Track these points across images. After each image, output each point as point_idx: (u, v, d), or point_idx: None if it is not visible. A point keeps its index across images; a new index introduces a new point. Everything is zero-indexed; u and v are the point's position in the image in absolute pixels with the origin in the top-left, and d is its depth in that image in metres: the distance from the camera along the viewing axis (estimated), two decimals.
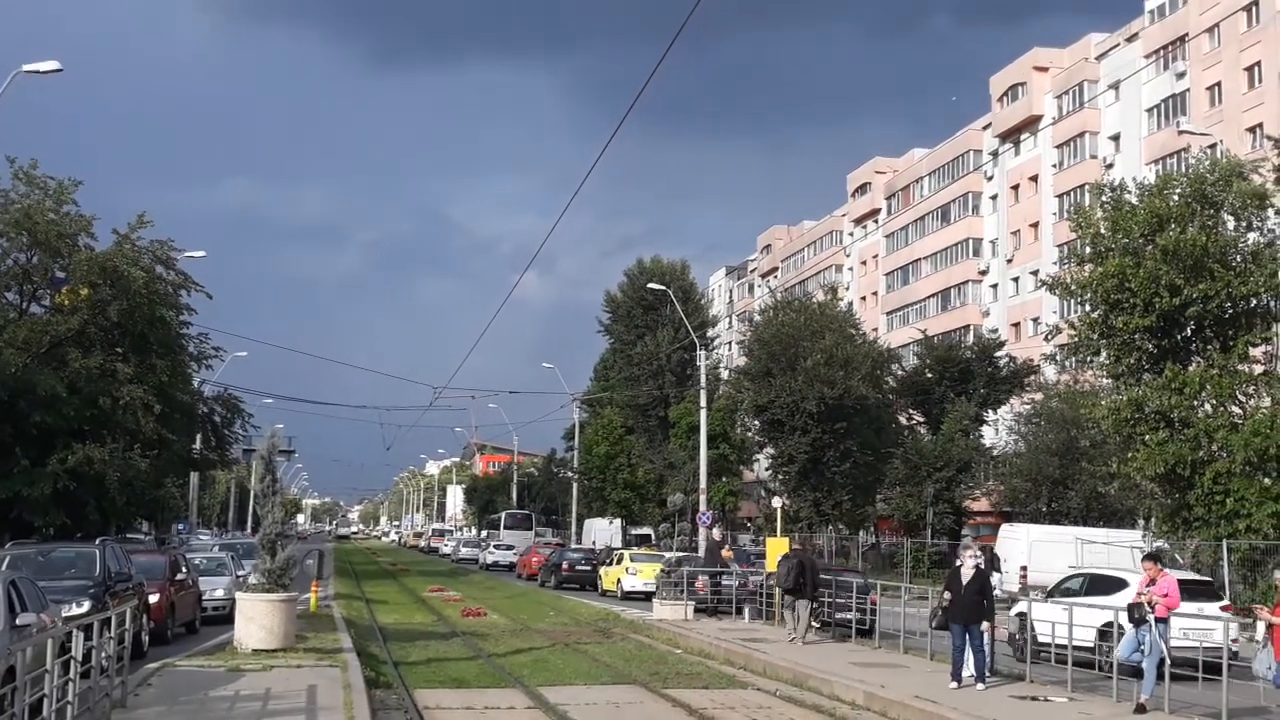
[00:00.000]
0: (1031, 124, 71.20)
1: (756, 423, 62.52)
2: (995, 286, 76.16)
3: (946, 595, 16.84)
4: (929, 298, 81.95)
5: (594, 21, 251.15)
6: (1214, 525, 30.53)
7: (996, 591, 19.52)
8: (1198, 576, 23.11)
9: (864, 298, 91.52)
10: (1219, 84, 57.48)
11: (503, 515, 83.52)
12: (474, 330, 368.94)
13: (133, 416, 32.14)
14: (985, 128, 77.69)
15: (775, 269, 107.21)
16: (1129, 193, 34.12)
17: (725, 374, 75.93)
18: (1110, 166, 62.89)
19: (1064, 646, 16.69)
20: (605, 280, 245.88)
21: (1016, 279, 72.89)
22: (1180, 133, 50.35)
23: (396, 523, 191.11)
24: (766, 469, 68.48)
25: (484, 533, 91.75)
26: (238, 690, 14.17)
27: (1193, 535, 31.65)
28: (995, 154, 74.65)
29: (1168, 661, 14.23)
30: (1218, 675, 13.74)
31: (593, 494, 73.99)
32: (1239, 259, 31.98)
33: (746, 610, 27.00)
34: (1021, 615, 21.05)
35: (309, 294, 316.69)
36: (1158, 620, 14.32)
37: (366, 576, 52.37)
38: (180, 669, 15.97)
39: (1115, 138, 65.38)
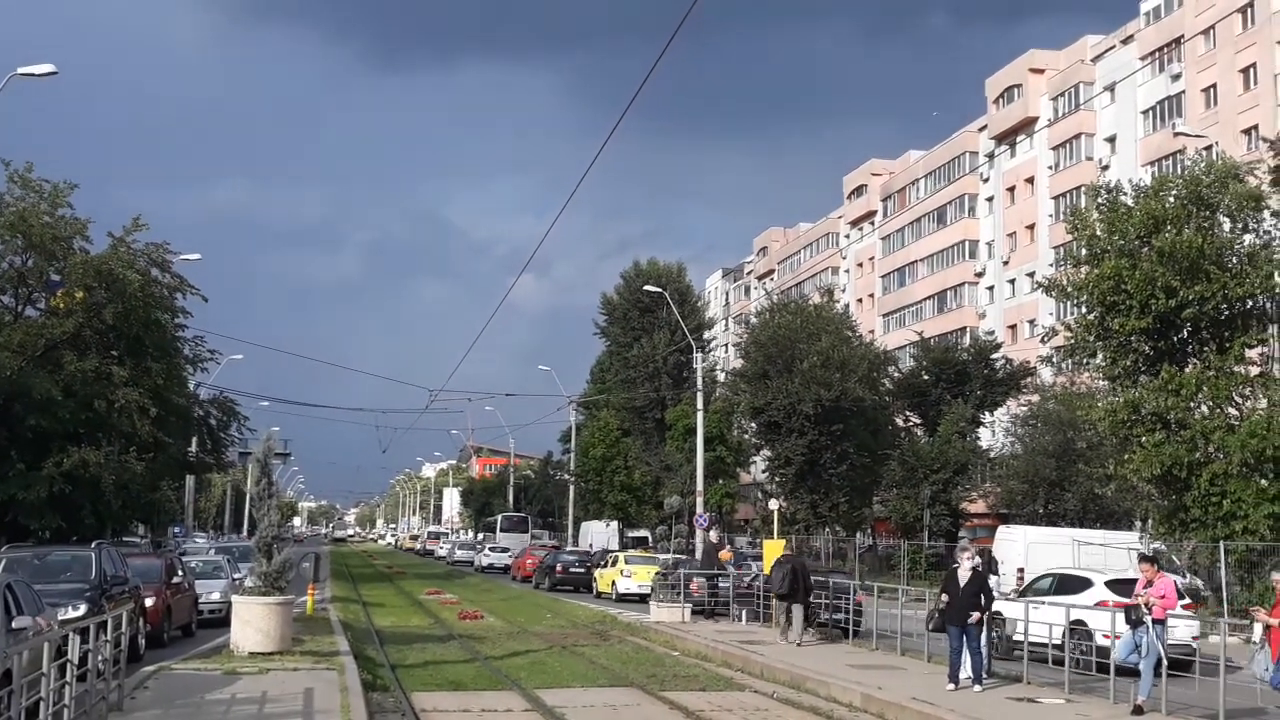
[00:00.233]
0: (1027, 126, 71.27)
1: (753, 425, 62.52)
2: (991, 288, 76.24)
3: (944, 597, 16.83)
4: (925, 300, 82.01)
5: (591, 23, 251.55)
6: (1211, 527, 30.55)
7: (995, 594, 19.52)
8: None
9: (860, 300, 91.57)
10: (1214, 86, 57.58)
11: (499, 518, 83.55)
12: (470, 333, 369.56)
13: (128, 420, 32.10)
14: (981, 129, 77.77)
15: (771, 271, 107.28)
16: (1125, 194, 34.17)
17: (722, 376, 75.95)
18: (1106, 168, 62.95)
19: (1038, 644, 17.50)
20: (602, 282, 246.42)
21: (1013, 281, 72.96)
22: (1176, 134, 50.49)
23: (393, 525, 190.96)
24: (763, 471, 68.49)
25: (480, 535, 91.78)
26: (234, 693, 14.15)
27: (1190, 537, 31.67)
28: (991, 156, 74.73)
29: (1165, 663, 14.24)
30: (1184, 672, 14.77)
31: (589, 496, 74.01)
32: (1235, 261, 32.03)
33: (744, 612, 27.01)
34: (996, 614, 21.16)
35: (305, 296, 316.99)
36: (1155, 622, 14.32)
37: (363, 579, 52.33)
38: (176, 672, 15.94)
39: (1111, 140, 65.49)
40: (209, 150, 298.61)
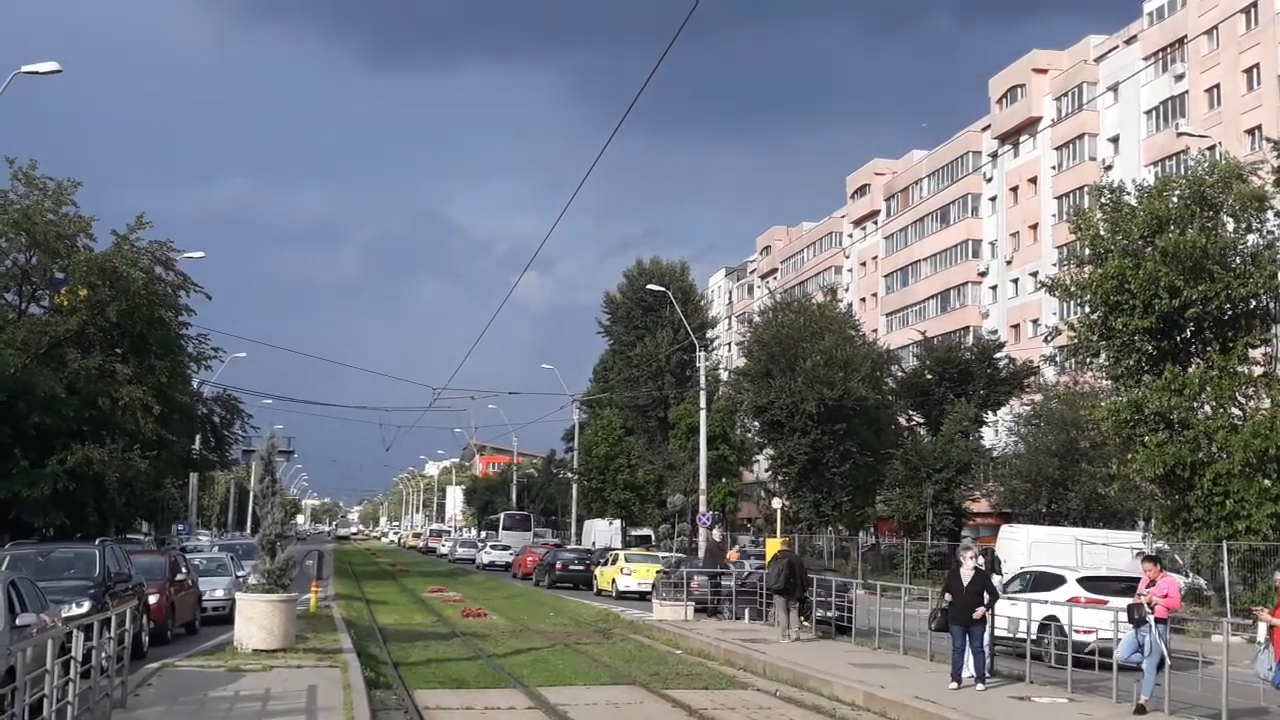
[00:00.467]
0: (1031, 126, 71.22)
1: (756, 424, 62.57)
2: (995, 288, 76.19)
3: (947, 597, 16.84)
4: (928, 299, 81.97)
5: (593, 21, 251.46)
6: (1214, 526, 30.54)
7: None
8: (1129, 574, 24.13)
9: (863, 299, 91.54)
10: (1218, 86, 57.52)
11: (501, 516, 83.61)
12: (473, 331, 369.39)
13: (132, 417, 32.12)
14: (984, 129, 77.73)
15: (775, 270, 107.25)
16: (1128, 194, 34.15)
17: (725, 375, 76.02)
18: (1109, 168, 62.91)
19: (1017, 639, 18.46)
20: (604, 281, 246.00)
21: (1016, 280, 72.91)
22: (1179, 135, 50.40)
23: (396, 523, 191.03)
24: (766, 470, 68.53)
25: (483, 533, 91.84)
26: (238, 690, 14.17)
27: (1192, 536, 31.66)
28: (994, 155, 74.67)
29: (1168, 662, 14.24)
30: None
31: (592, 495, 74.02)
32: (1238, 261, 32.03)
33: (747, 611, 27.04)
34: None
35: (307, 295, 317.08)
36: (1158, 621, 14.32)
37: (366, 577, 52.38)
38: (180, 669, 15.97)
39: (1114, 140, 65.43)
40: (212, 149, 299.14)
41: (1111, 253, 32.91)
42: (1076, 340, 35.30)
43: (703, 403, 50.45)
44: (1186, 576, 31.63)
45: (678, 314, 63.11)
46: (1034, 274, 61.68)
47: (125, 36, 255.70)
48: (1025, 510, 50.91)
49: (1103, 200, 34.74)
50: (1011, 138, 73.27)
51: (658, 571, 34.08)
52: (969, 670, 16.32)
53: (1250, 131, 53.61)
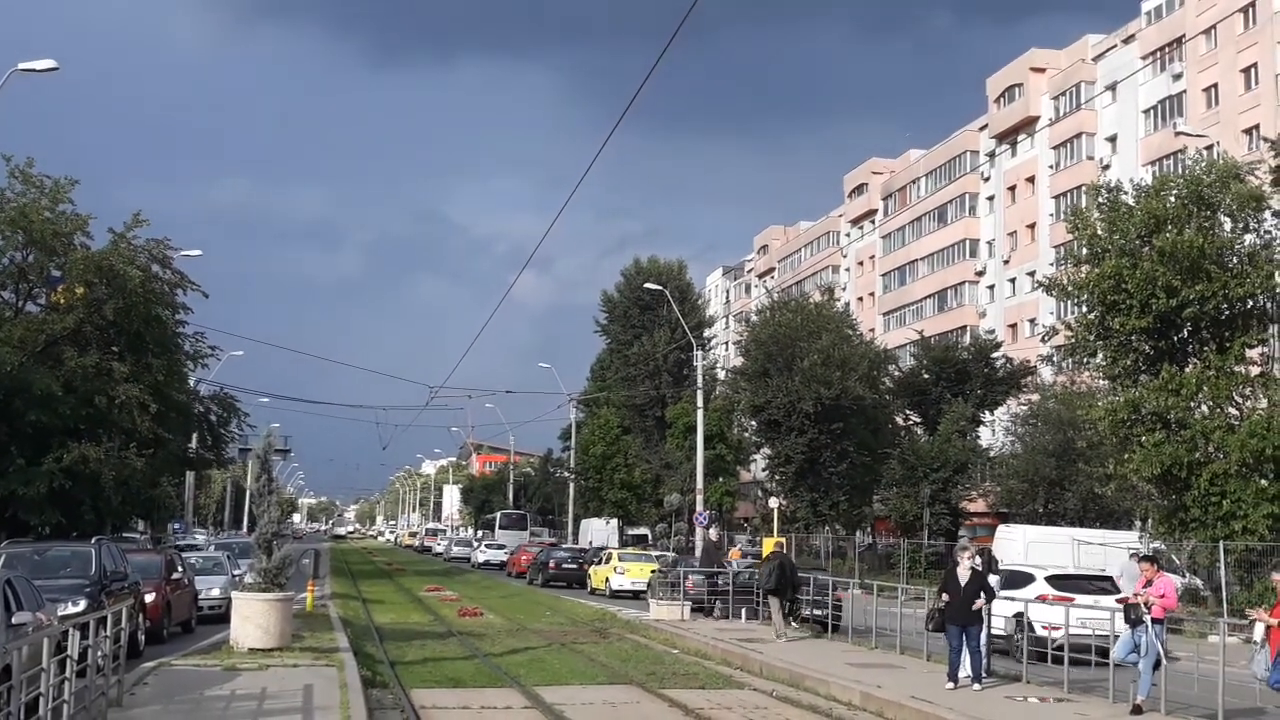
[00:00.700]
0: (1028, 125, 71.24)
1: (753, 423, 62.59)
2: (992, 287, 76.22)
3: (944, 597, 16.83)
4: (926, 298, 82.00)
5: (591, 20, 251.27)
6: (1210, 526, 30.55)
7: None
8: (1097, 572, 25.69)
9: (861, 298, 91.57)
10: (1215, 85, 57.57)
11: (498, 515, 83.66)
12: (471, 330, 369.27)
13: (128, 415, 32.06)
14: (982, 128, 77.74)
15: (772, 269, 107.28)
16: (1126, 194, 34.16)
17: (722, 374, 75.94)
18: (1107, 168, 62.94)
19: (996, 636, 18.81)
20: (602, 280, 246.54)
21: (1013, 280, 72.94)
22: (1177, 134, 50.45)
23: (392, 522, 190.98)
24: (763, 469, 68.53)
25: (479, 532, 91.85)
26: (234, 689, 14.16)
27: (1189, 536, 31.68)
28: (992, 155, 74.71)
29: (1164, 663, 14.25)
30: (1106, 659, 15.51)
31: (589, 494, 74.04)
32: (1235, 260, 32.05)
33: (744, 611, 27.06)
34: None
35: (306, 293, 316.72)
36: (1154, 621, 14.32)
37: (362, 576, 52.37)
38: (176, 668, 15.95)
39: (1112, 139, 65.47)
40: (210, 147, 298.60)
41: (1109, 252, 32.92)
42: (1073, 340, 35.31)
43: (700, 402, 50.45)
44: (1183, 577, 31.66)
45: (675, 313, 63.08)
46: (1031, 273, 61.71)
47: (125, 36, 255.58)
48: (1022, 510, 50.94)
49: (1100, 200, 34.75)
50: (1009, 137, 73.30)
51: (652, 571, 34.15)
52: (965, 670, 16.33)
53: (1248, 131, 53.66)
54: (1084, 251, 34.62)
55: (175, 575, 23.23)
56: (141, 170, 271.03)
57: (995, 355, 60.59)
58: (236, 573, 27.27)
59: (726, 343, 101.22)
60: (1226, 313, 32.03)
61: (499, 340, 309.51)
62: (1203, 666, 15.42)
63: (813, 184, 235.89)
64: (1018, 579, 22.94)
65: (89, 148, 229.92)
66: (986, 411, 59.00)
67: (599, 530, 65.45)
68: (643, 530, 66.93)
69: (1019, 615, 19.90)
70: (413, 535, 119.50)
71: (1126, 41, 65.49)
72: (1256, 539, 29.63)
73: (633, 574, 39.28)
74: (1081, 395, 45.39)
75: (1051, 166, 69.80)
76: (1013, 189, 74.28)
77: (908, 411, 62.00)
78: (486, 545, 70.13)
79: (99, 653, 11.88)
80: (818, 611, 25.15)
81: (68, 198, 32.63)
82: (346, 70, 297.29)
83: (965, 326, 74.71)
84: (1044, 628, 19.33)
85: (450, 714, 14.48)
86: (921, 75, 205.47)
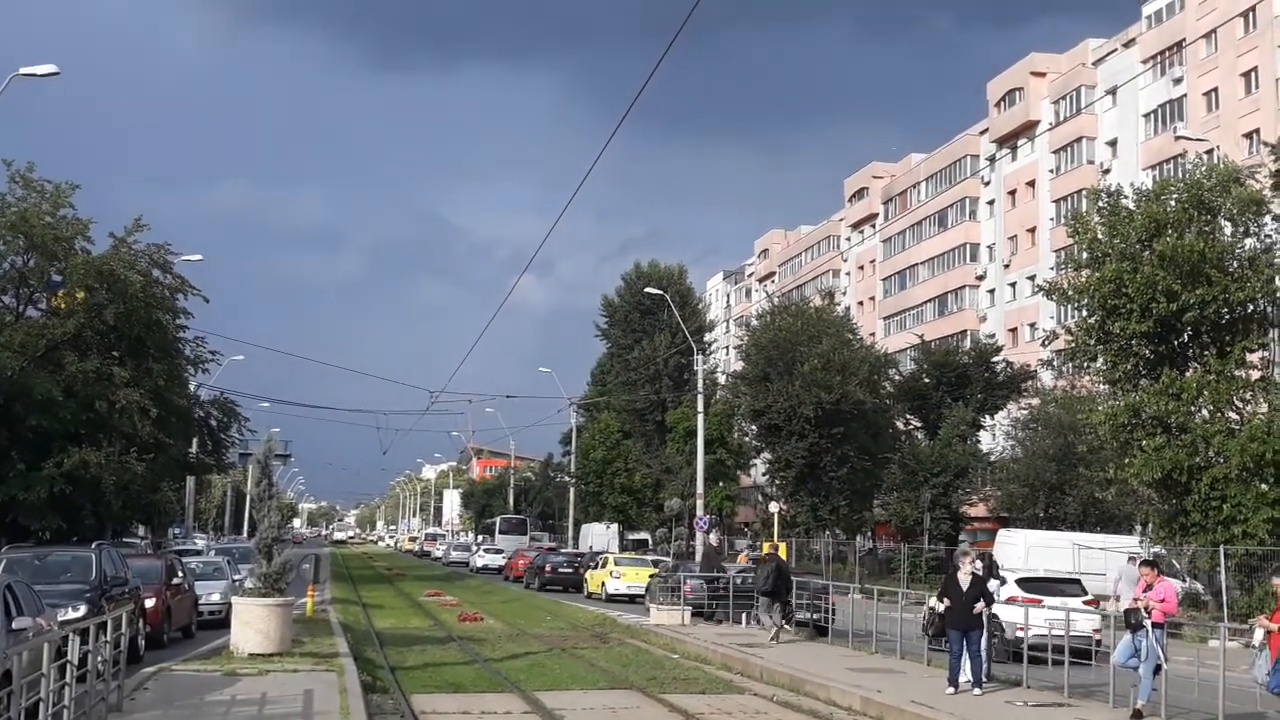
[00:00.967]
0: (1029, 129, 71.30)
1: (754, 428, 62.56)
2: (992, 292, 76.22)
3: (945, 601, 16.82)
4: (926, 303, 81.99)
5: (593, 24, 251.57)
6: (1211, 531, 30.53)
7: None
8: (1065, 575, 26.42)
9: (861, 303, 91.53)
10: (1216, 90, 57.58)
11: (498, 520, 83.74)
12: (471, 334, 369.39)
13: (129, 420, 32.09)
14: (982, 133, 77.78)
15: (772, 274, 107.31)
16: (1126, 198, 34.17)
17: (722, 379, 75.99)
18: (1107, 172, 62.96)
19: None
20: (603, 284, 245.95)
21: (1014, 284, 72.93)
22: (1177, 138, 50.49)
23: (393, 527, 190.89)
24: (764, 474, 68.47)
25: (479, 537, 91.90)
26: (234, 694, 14.16)
27: (1190, 541, 31.67)
28: (992, 159, 74.73)
29: (1164, 667, 14.24)
30: (1084, 660, 16.49)
31: (590, 499, 74.05)
32: (1236, 265, 32.04)
33: (744, 615, 27.05)
34: (994, 617, 21.63)
35: (306, 298, 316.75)
36: (1155, 626, 14.31)
37: (363, 581, 52.33)
38: (176, 673, 15.95)
39: (1112, 143, 65.48)
40: (211, 151, 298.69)
41: (1109, 257, 32.92)
42: (1074, 344, 35.30)
43: (700, 406, 50.46)
44: (1184, 581, 31.66)
45: (675, 317, 63.10)
46: (1031, 278, 61.72)
47: (125, 37, 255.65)
48: (1023, 515, 50.91)
49: (1100, 204, 34.75)
50: (1009, 141, 73.33)
51: (649, 575, 34.17)
52: (966, 675, 16.32)
53: (1248, 135, 53.70)
54: (1084, 256, 34.62)
55: (175, 580, 23.21)
56: (141, 174, 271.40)
57: (995, 360, 60.60)
58: (237, 578, 27.26)
59: (727, 347, 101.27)
60: (1227, 317, 32.03)
61: (499, 344, 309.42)
62: (1203, 671, 15.38)
63: (813, 187, 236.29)
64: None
65: (89, 151, 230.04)
66: (987, 416, 58.99)
67: (599, 535, 65.49)
68: (643, 535, 67.01)
69: (993, 616, 20.05)
70: (413, 540, 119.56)
71: (1127, 45, 65.52)
72: (1257, 543, 29.61)
73: (629, 578, 39.47)
74: (1082, 400, 45.38)
75: (1052, 171, 69.82)
76: (1013, 193, 74.30)
77: (908, 416, 61.99)
78: (485, 550, 70.31)
79: (99, 658, 11.89)
80: (814, 615, 25.36)
81: (68, 202, 32.71)
82: (347, 73, 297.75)
83: (965, 331, 74.68)
84: (1018, 630, 19.55)
85: (450, 719, 14.48)
86: (922, 78, 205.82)
